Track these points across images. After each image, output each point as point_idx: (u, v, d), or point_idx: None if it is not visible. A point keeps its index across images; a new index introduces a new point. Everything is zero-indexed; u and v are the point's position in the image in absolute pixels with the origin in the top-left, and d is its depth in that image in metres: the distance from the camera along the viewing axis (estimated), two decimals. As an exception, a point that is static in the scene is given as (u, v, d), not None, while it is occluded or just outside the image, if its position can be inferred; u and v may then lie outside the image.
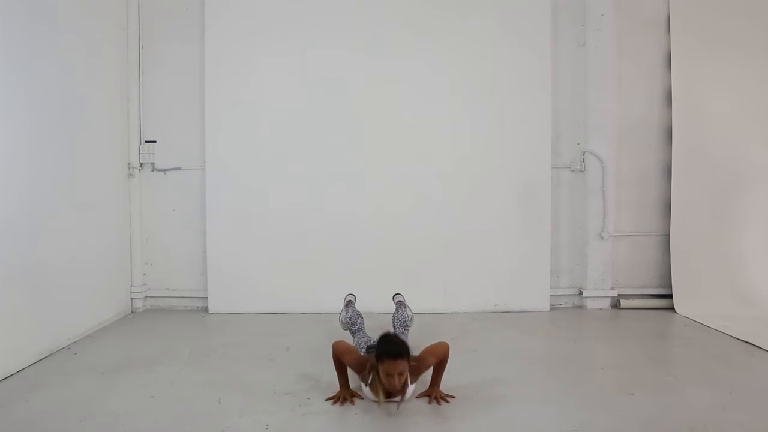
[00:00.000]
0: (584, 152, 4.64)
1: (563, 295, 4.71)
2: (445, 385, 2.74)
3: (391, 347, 2.47)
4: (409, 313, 3.44)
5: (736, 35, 4.57)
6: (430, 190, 4.52)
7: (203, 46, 4.50)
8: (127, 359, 3.30)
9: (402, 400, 2.55)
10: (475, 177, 4.51)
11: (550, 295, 4.59)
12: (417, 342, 3.34)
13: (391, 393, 2.52)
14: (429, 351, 2.68)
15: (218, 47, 4.48)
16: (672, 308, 4.47)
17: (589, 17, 4.60)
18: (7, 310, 3.05)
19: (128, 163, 4.51)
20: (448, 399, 2.65)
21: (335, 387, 2.79)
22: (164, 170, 4.61)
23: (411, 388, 2.62)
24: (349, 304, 3.61)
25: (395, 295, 3.71)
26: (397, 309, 3.46)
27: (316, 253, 4.49)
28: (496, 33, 4.49)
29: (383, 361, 2.44)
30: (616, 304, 4.66)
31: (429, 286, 4.43)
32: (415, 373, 2.59)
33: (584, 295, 4.64)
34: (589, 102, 4.61)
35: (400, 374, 2.43)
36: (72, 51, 3.73)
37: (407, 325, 3.29)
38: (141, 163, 4.58)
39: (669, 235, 4.61)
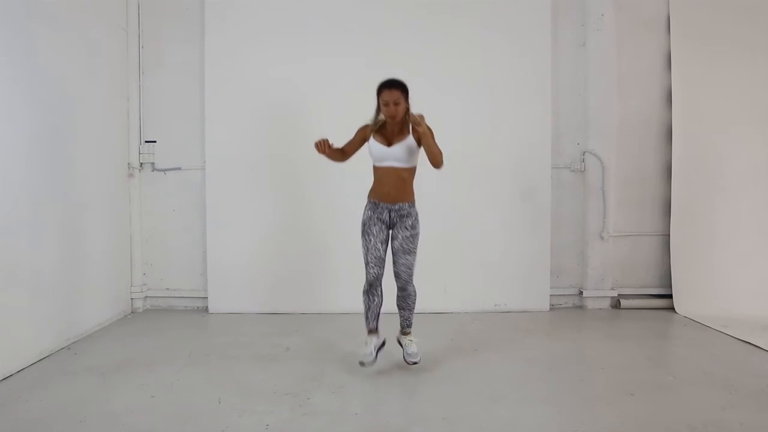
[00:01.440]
0: (584, 152, 4.64)
1: (563, 295, 4.71)
2: (445, 384, 2.74)
3: (387, 79, 2.97)
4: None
5: (737, 35, 4.56)
6: (430, 190, 4.50)
7: (203, 45, 4.50)
8: (127, 359, 3.30)
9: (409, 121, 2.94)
10: (475, 177, 4.51)
11: (550, 295, 4.59)
12: (418, 342, 3.34)
13: (393, 129, 3.01)
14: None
15: (218, 47, 4.47)
16: (672, 308, 4.48)
17: (589, 17, 4.60)
18: (7, 310, 3.05)
19: (128, 163, 4.51)
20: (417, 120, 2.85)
21: (336, 387, 2.80)
22: (164, 170, 4.61)
23: (407, 140, 3.01)
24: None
25: None
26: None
27: (316, 252, 4.49)
28: (496, 33, 4.49)
29: (381, 91, 2.95)
30: (616, 304, 4.66)
31: (429, 286, 4.39)
32: (407, 128, 2.99)
33: (584, 295, 4.64)
34: (589, 102, 4.61)
35: (396, 103, 2.91)
36: (72, 51, 3.73)
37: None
38: (141, 163, 4.57)
39: (669, 235, 4.61)
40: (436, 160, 2.99)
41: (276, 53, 4.47)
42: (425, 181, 4.52)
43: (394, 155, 3.03)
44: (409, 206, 3.08)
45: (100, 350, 3.51)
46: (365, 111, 4.47)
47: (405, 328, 3.17)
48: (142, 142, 4.57)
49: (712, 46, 4.57)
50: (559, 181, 4.66)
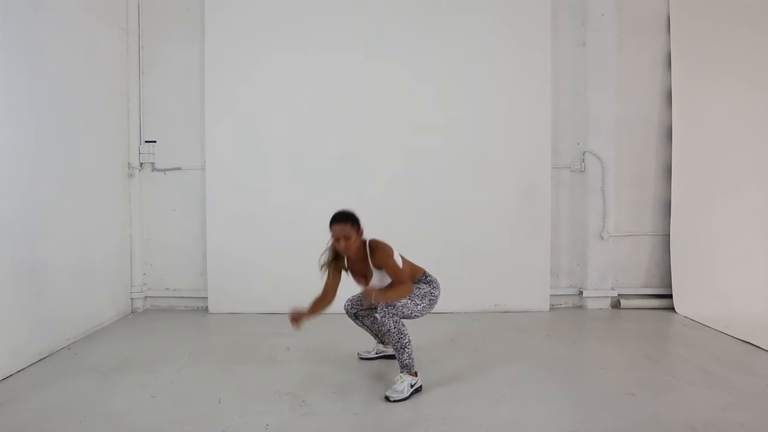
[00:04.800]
0: (584, 152, 4.64)
1: (563, 295, 4.71)
2: (445, 384, 2.73)
3: (336, 213, 2.86)
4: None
5: (736, 35, 4.56)
6: (430, 190, 4.52)
7: (203, 46, 4.50)
8: (127, 359, 3.31)
9: (369, 288, 2.78)
10: (475, 177, 4.51)
11: (550, 295, 4.59)
12: (417, 342, 3.35)
13: (354, 274, 2.91)
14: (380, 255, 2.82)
15: (218, 47, 4.48)
16: (672, 308, 4.47)
17: (589, 17, 4.60)
18: (7, 310, 3.05)
19: (128, 163, 4.51)
20: (377, 300, 2.69)
21: (336, 387, 2.80)
22: (164, 170, 4.61)
23: (376, 276, 2.86)
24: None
25: None
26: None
27: (316, 252, 4.46)
28: (497, 33, 4.50)
29: (331, 226, 2.83)
30: (616, 304, 4.66)
31: (429, 286, 4.42)
32: (374, 264, 2.83)
33: (584, 295, 4.64)
34: (589, 102, 4.61)
35: (346, 237, 2.79)
36: (72, 51, 3.74)
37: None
38: (141, 163, 4.58)
39: (669, 235, 4.61)
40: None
41: (276, 53, 4.47)
42: (426, 181, 4.55)
43: (374, 287, 2.85)
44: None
45: (100, 350, 3.51)
46: (366, 108, 4.52)
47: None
48: (142, 142, 4.57)
49: (712, 46, 4.57)
50: (559, 181, 4.66)
